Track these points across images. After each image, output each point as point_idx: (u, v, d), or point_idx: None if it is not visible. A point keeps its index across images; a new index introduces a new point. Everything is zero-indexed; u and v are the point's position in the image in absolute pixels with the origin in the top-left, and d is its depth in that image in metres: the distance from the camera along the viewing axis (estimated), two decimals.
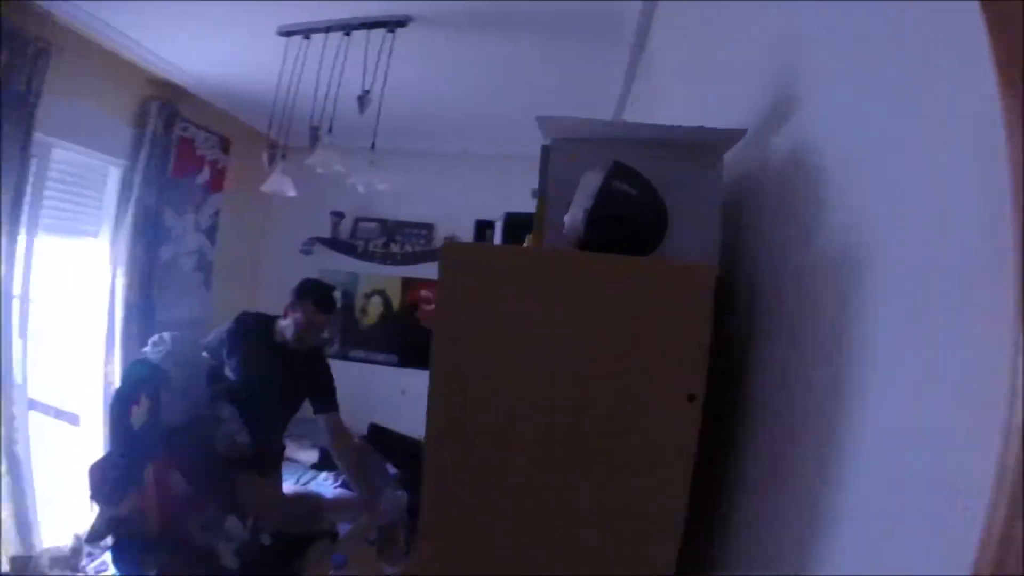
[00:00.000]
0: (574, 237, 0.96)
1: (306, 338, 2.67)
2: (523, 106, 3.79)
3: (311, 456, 3.63)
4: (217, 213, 4.34)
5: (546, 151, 1.09)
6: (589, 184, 0.93)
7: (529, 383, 0.93)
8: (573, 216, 0.96)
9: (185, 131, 3.88)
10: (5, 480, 2.59)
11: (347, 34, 2.79)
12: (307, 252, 4.62)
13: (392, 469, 2.81)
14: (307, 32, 2.85)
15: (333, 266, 4.64)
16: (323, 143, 2.90)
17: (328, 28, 2.81)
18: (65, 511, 2.90)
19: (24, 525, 2.71)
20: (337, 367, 4.38)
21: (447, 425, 0.98)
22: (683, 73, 1.89)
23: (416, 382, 4.21)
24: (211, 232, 4.28)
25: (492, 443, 0.95)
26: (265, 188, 3.06)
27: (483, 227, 4.48)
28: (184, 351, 2.51)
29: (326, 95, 2.90)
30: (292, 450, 3.82)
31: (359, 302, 4.67)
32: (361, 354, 4.58)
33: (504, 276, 0.96)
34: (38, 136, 2.72)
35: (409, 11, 2.69)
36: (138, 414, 2.32)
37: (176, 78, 3.55)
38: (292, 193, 3.01)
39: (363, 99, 2.81)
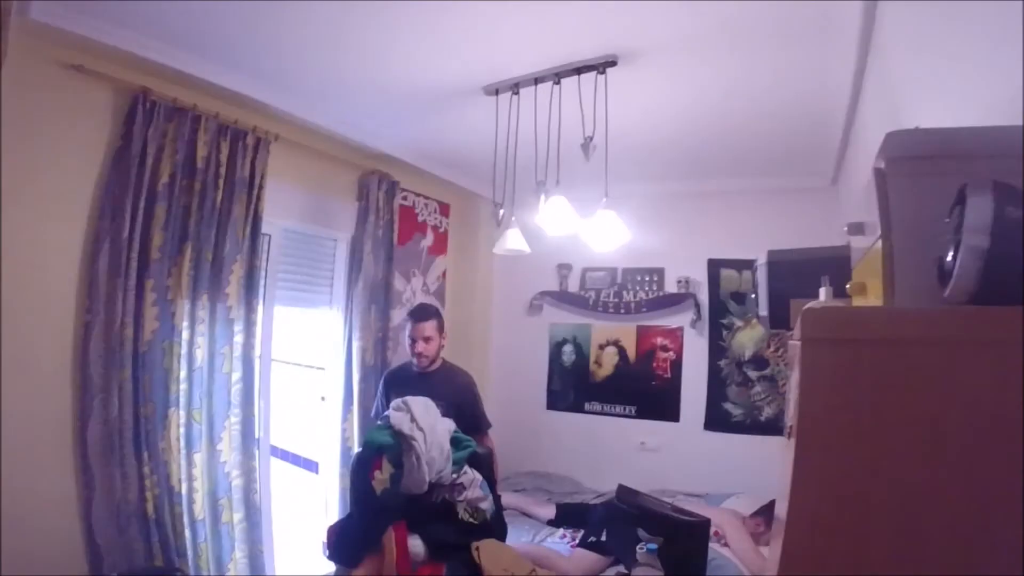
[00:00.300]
0: (962, 287, 0.77)
1: (423, 353, 2.99)
2: (739, 137, 3.29)
3: (548, 512, 3.62)
4: (443, 275, 4.49)
5: (880, 175, 0.95)
6: (977, 214, 0.74)
7: (914, 470, 0.81)
8: (964, 260, 0.75)
9: (405, 199, 4.05)
10: (240, 527, 2.91)
11: (557, 83, 2.63)
12: (538, 308, 4.54)
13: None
14: (515, 87, 2.73)
15: (563, 320, 4.48)
16: (549, 196, 2.65)
17: (536, 80, 2.68)
18: (298, 555, 3.44)
19: (257, 565, 3.01)
20: (572, 421, 4.44)
21: (810, 523, 0.88)
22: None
23: (654, 433, 3.93)
24: (439, 294, 4.44)
25: (856, 542, 0.85)
26: (497, 249, 2.98)
27: (716, 266, 3.85)
28: (426, 416, 2.56)
29: (547, 147, 2.76)
30: (529, 504, 3.90)
31: (593, 353, 4.40)
32: (598, 406, 4.32)
33: (888, 346, 0.84)
34: (267, 218, 2.98)
35: (616, 48, 2.44)
36: (379, 479, 2.43)
37: (391, 151, 3.62)
38: (526, 250, 2.91)
39: (586, 145, 2.55)
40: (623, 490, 2.73)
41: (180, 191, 2.68)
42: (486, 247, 4.61)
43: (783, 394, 3.93)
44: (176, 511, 2.62)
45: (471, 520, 2.54)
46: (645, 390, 4.25)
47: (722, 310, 4.05)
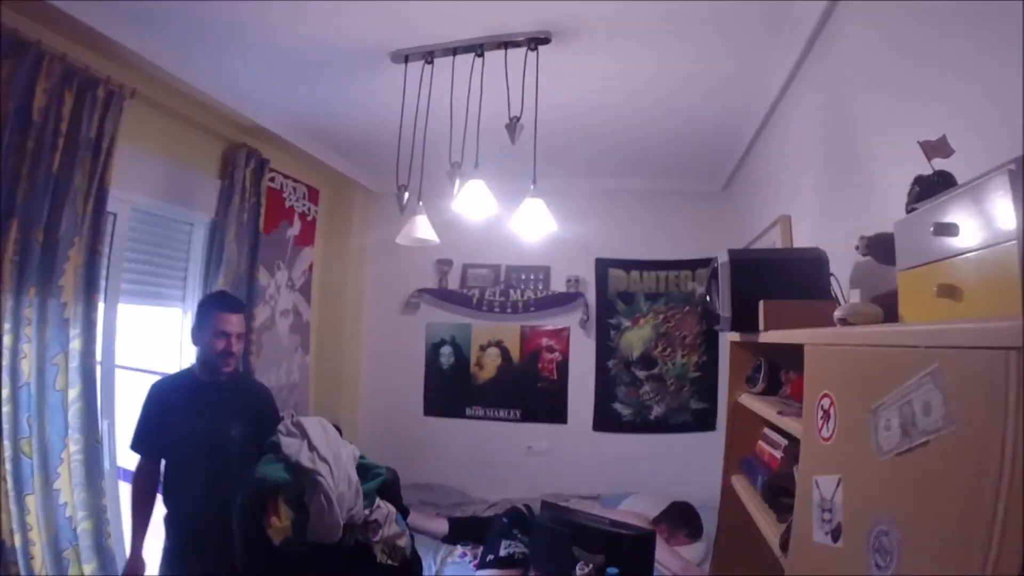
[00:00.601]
0: None
1: (236, 354, 2.52)
2: (643, 135, 3.41)
3: (440, 527, 3.57)
4: (310, 269, 4.10)
5: (1015, 176, 0.82)
6: None
7: None
8: None
9: (272, 181, 3.65)
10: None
11: (480, 55, 2.49)
12: (415, 307, 4.35)
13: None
14: (428, 56, 2.53)
15: (442, 319, 4.35)
16: (466, 180, 2.54)
17: (455, 50, 2.52)
18: None
19: None
20: (453, 427, 4.24)
21: None
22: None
23: (542, 436, 3.99)
24: (305, 290, 4.05)
25: None
26: (402, 239, 2.74)
27: (604, 265, 4.11)
28: (326, 441, 2.28)
29: (465, 127, 2.60)
30: (419, 519, 3.85)
31: (474, 355, 4.29)
32: (480, 411, 4.25)
33: None
34: (114, 192, 2.50)
35: (548, 23, 2.36)
36: (278, 527, 2.10)
37: (265, 122, 3.25)
38: (435, 240, 2.72)
39: (513, 126, 2.43)
40: (549, 507, 2.65)
41: (8, 150, 2.09)
42: (358, 239, 4.28)
43: (672, 392, 4.26)
44: (11, 572, 2.08)
45: (390, 562, 2.32)
46: (531, 392, 4.24)
47: (610, 310, 4.18)
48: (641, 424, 4.15)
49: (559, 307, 4.21)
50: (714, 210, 4.11)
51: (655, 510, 3.58)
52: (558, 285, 4.21)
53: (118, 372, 2.84)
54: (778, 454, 2.00)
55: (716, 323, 2.11)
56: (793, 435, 1.72)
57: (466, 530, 3.40)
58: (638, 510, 3.58)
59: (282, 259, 3.82)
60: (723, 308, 2.03)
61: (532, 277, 4.25)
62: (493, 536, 3.18)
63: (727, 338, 2.38)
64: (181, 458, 2.40)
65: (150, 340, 3.33)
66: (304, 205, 4.01)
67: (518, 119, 2.48)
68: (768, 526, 1.78)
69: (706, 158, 3.74)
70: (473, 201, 2.48)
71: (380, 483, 2.40)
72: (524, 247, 4.21)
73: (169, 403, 2.42)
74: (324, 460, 2.18)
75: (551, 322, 4.25)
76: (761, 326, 1.88)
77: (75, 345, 2.39)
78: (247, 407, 2.57)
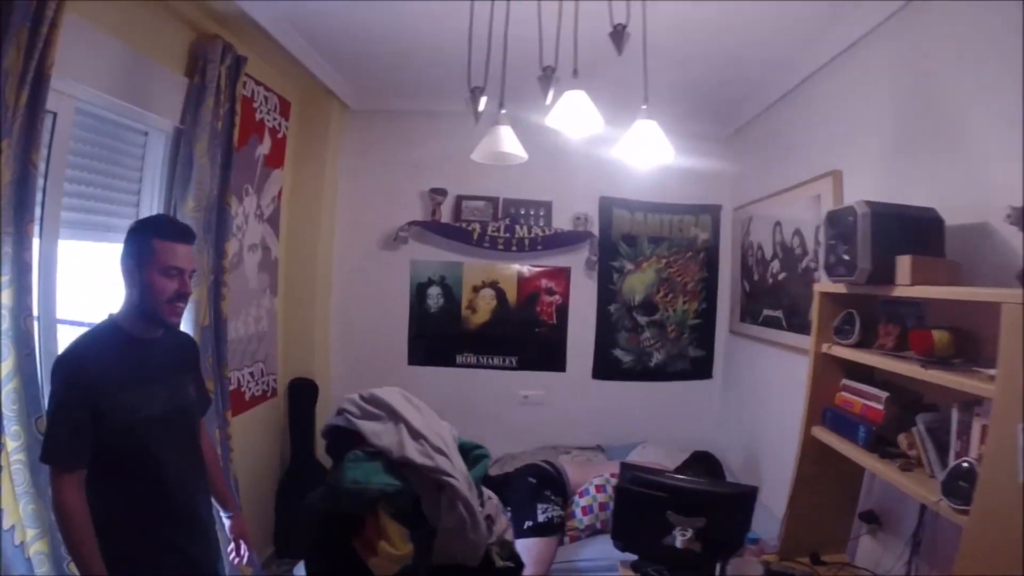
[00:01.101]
0: None
1: (187, 295, 1.84)
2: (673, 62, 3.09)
3: None
4: (279, 196, 3.48)
5: None
6: None
7: None
8: None
9: (243, 87, 2.94)
10: None
11: None
12: (403, 241, 3.83)
13: None
14: None
15: (428, 256, 3.89)
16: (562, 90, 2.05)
17: None
18: None
19: None
20: (441, 376, 3.87)
21: None
22: None
23: (538, 385, 3.57)
24: (274, 221, 3.44)
25: None
26: (478, 155, 2.27)
27: (609, 204, 3.82)
28: (424, 419, 1.92)
29: (559, 26, 2.05)
30: None
31: (465, 297, 3.92)
32: (472, 358, 3.92)
33: None
34: (56, 83, 1.84)
35: None
36: (388, 555, 1.69)
37: (248, 7, 2.57)
38: (522, 156, 2.26)
39: (619, 35, 1.95)
40: (629, 468, 2.38)
41: None
42: (333, 162, 3.73)
43: (672, 339, 4.16)
44: None
45: (506, 563, 1.96)
46: (527, 338, 3.96)
47: (613, 252, 3.93)
48: (641, 371, 4.02)
49: (567, 246, 3.90)
50: (721, 156, 3.93)
51: (669, 460, 3.50)
52: (560, 222, 3.89)
53: (60, 330, 2.17)
54: (879, 406, 2.08)
55: (842, 272, 2.04)
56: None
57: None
58: (652, 460, 3.49)
59: (251, 182, 3.19)
60: (862, 259, 1.95)
61: (533, 212, 3.89)
62: (522, 499, 2.94)
63: (817, 288, 2.37)
64: (137, 458, 1.69)
65: (93, 287, 2.50)
66: (275, 119, 3.35)
67: (624, 26, 2.08)
68: (891, 472, 1.89)
69: (726, 95, 3.50)
70: (573, 115, 2.07)
71: (486, 468, 2.05)
72: (524, 179, 3.86)
73: (102, 384, 1.62)
74: (440, 451, 1.79)
75: (551, 262, 3.95)
76: (907, 280, 1.88)
77: (4, 298, 1.75)
78: (190, 366, 2.00)
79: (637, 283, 3.98)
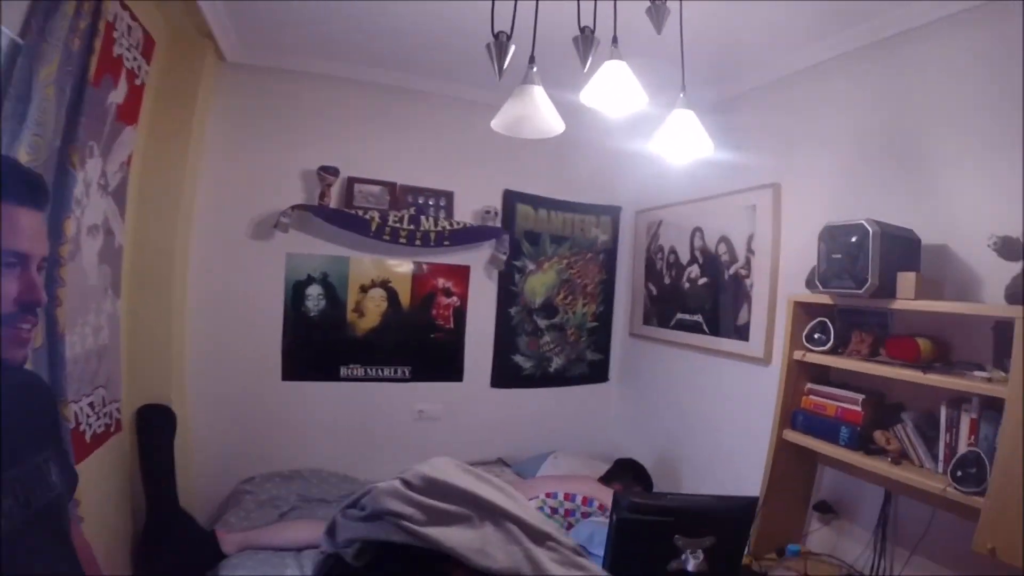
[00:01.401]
0: None
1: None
2: None
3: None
4: (129, 162, 2.59)
5: None
6: None
7: None
8: None
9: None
10: None
11: None
12: (283, 229, 3.07)
13: None
14: None
15: (307, 249, 3.23)
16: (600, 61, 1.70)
17: None
18: None
19: None
20: (324, 393, 3.32)
21: None
22: None
23: (435, 397, 3.13)
24: (120, 194, 2.52)
25: None
26: (502, 123, 1.85)
27: (513, 199, 3.60)
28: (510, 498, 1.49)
29: None
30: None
31: (352, 298, 3.33)
32: (359, 370, 3.35)
33: None
34: None
35: None
36: None
37: None
38: (558, 126, 1.79)
39: (659, 8, 1.68)
40: (626, 496, 2.13)
41: None
42: (202, 124, 2.94)
43: (571, 342, 3.99)
44: None
45: None
46: (423, 345, 3.50)
47: (515, 251, 3.65)
48: (541, 378, 3.82)
49: (477, 242, 3.52)
50: (625, 157, 3.89)
51: (587, 469, 3.36)
52: (461, 215, 3.50)
53: None
54: (856, 407, 2.28)
55: (850, 285, 2.15)
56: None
57: None
58: (570, 472, 3.30)
59: (97, 139, 2.30)
60: (872, 274, 2.08)
61: (433, 203, 3.44)
62: None
63: (790, 299, 2.50)
64: None
65: None
66: (135, 59, 2.46)
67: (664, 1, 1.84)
68: (883, 467, 2.09)
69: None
70: (613, 89, 1.78)
71: None
72: (423, 165, 3.42)
73: None
74: (575, 550, 1.33)
75: (450, 260, 3.54)
76: (910, 295, 2.07)
77: None
78: (48, 432, 1.14)
79: (538, 284, 3.76)
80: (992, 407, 1.87)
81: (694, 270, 3.37)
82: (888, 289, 2.10)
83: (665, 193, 3.66)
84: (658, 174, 3.74)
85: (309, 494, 2.99)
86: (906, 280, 2.08)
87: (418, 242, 3.28)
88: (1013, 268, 1.86)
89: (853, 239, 2.14)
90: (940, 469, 1.99)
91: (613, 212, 3.99)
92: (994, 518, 1.72)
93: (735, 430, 3.06)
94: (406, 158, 3.42)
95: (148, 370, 2.73)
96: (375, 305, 3.40)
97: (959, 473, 1.86)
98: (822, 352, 2.35)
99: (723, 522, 2.17)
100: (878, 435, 2.20)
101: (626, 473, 3.22)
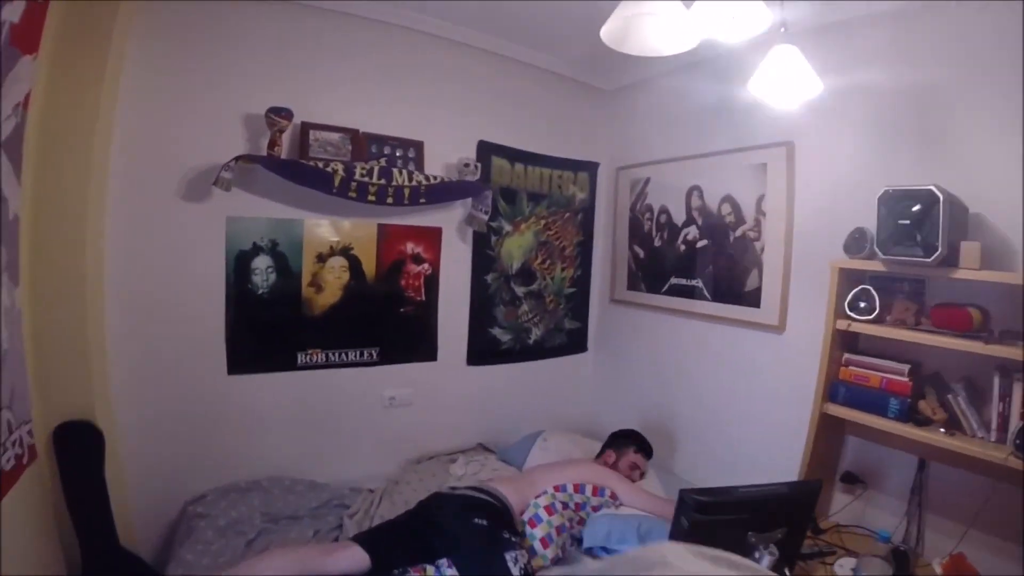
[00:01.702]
0: None
1: None
2: None
3: (355, 560, 2.22)
4: (26, 104, 1.87)
5: None
6: None
7: None
8: None
9: None
10: None
11: None
12: (225, 187, 2.40)
13: None
14: None
15: (252, 211, 2.62)
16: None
17: None
18: None
19: None
20: (278, 386, 2.79)
21: None
22: None
23: (406, 381, 2.93)
24: (15, 145, 1.81)
25: None
26: (613, 33, 1.46)
27: (488, 151, 3.21)
28: None
29: None
30: (310, 559, 2.15)
31: (307, 270, 2.76)
32: (319, 356, 2.82)
33: None
34: None
35: None
36: None
37: None
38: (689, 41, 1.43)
39: None
40: (694, 496, 1.89)
41: None
42: (120, 57, 2.24)
43: (550, 310, 3.62)
44: None
45: None
46: (391, 321, 3.01)
47: (492, 210, 3.17)
48: (520, 351, 3.48)
49: (456, 200, 3.07)
50: (604, 109, 3.55)
51: (578, 450, 3.10)
52: (432, 168, 2.99)
53: None
54: (903, 378, 2.20)
55: (919, 254, 2.03)
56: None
57: (396, 549, 2.28)
58: (562, 455, 3.02)
59: None
60: (942, 243, 1.97)
61: (401, 154, 2.91)
62: (481, 552, 2.21)
63: (834, 265, 2.35)
64: None
65: None
66: None
67: None
68: (937, 438, 2.03)
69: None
70: (785, 75, 1.46)
71: None
72: (388, 111, 2.89)
73: None
74: None
75: (420, 221, 3.05)
76: (975, 264, 1.98)
77: None
78: None
79: (515, 247, 3.37)
80: None
81: (691, 231, 3.12)
82: (951, 258, 1.99)
83: (651, 149, 3.38)
84: (641, 129, 3.44)
85: (275, 510, 2.50)
86: (971, 250, 1.98)
87: (390, 200, 2.76)
88: None
89: (918, 206, 2.01)
90: (993, 438, 1.97)
91: (591, 168, 3.66)
92: None
93: (744, 400, 2.93)
94: (368, 102, 2.86)
95: (62, 379, 2.10)
96: (335, 277, 2.87)
97: (1020, 441, 1.85)
98: (867, 322, 2.23)
99: (793, 510, 2.00)
100: (923, 405, 2.16)
101: (623, 442, 2.99)
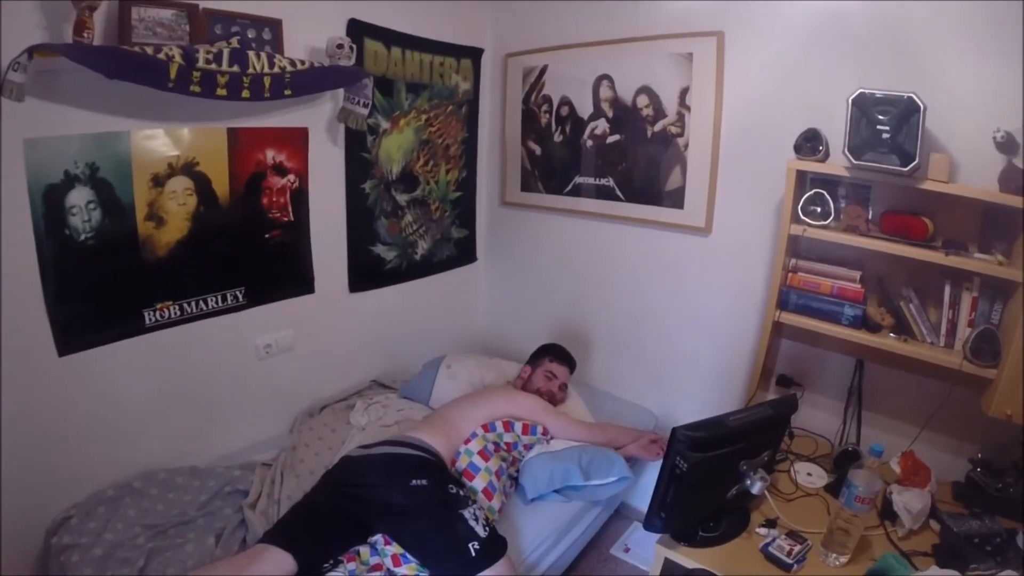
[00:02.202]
0: None
1: None
2: None
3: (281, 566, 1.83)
4: None
5: None
6: None
7: None
8: None
9: None
10: None
11: None
12: (15, 95, 1.57)
13: None
14: None
15: (63, 126, 1.83)
16: None
17: None
18: None
19: None
20: (124, 356, 2.16)
21: None
22: None
23: (282, 323, 2.68)
24: None
25: None
26: None
27: (360, 32, 2.70)
28: None
29: None
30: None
31: (141, 198, 2.00)
32: (171, 309, 2.14)
33: None
34: None
35: None
36: None
37: None
38: None
39: None
40: (684, 431, 1.76)
41: None
42: None
43: (436, 220, 3.13)
44: None
45: None
46: (255, 252, 2.40)
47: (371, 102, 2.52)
48: (408, 270, 3.05)
49: (328, 90, 2.42)
50: None
51: (491, 373, 2.86)
52: (293, 52, 2.28)
53: None
54: (855, 285, 2.21)
55: (895, 162, 1.96)
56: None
57: (321, 539, 1.94)
58: (468, 386, 2.76)
59: None
60: (920, 154, 1.94)
61: (254, 37, 2.16)
62: (425, 517, 1.94)
63: (791, 166, 2.22)
64: None
65: None
66: None
67: None
68: (892, 344, 2.10)
69: None
70: None
71: None
72: None
73: None
74: None
75: (280, 121, 2.37)
76: (943, 176, 1.95)
77: None
78: None
79: (394, 148, 2.82)
80: (989, 286, 1.99)
81: (600, 125, 2.84)
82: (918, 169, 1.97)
83: (547, 33, 2.94)
84: (535, 9, 2.97)
85: (158, 518, 1.95)
86: (940, 161, 1.96)
87: (245, 93, 2.04)
88: (995, 158, 1.90)
89: (895, 112, 1.92)
90: (942, 343, 2.07)
91: (474, 55, 3.13)
92: (1010, 388, 1.87)
93: (668, 305, 2.87)
94: None
95: None
96: (179, 204, 2.16)
97: (974, 348, 1.94)
98: (820, 227, 2.16)
99: (775, 430, 2.06)
100: (871, 311, 2.20)
101: (539, 355, 2.84)
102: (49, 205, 1.86)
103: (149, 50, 1.83)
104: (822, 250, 2.24)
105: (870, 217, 2.20)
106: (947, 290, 2.04)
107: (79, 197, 1.93)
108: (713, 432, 1.79)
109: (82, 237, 1.95)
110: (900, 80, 2.00)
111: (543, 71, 2.99)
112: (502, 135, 3.25)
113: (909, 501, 1.89)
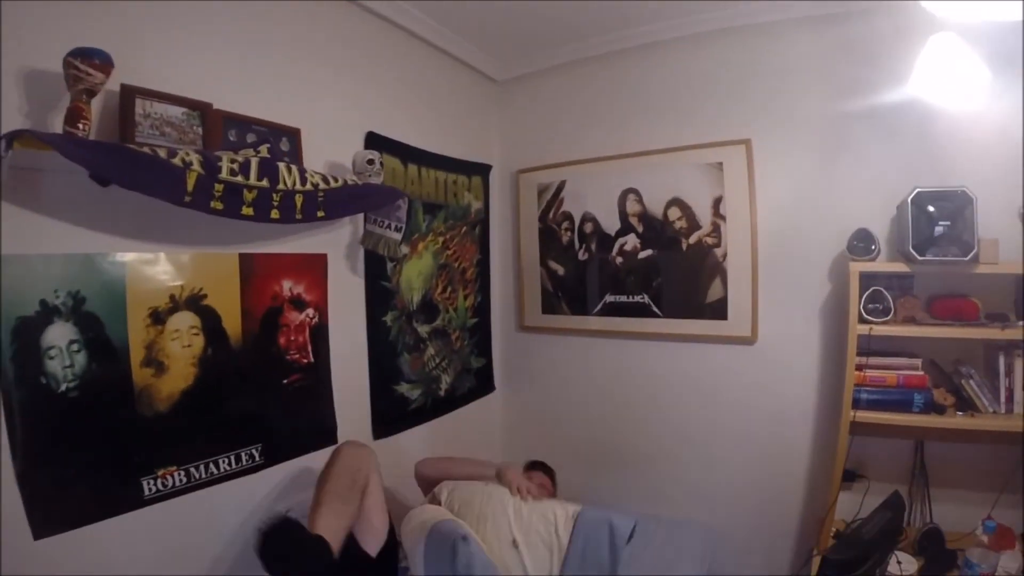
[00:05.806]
0: None
1: None
2: None
3: None
4: None
5: None
6: None
7: None
8: None
9: None
10: None
11: None
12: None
13: None
14: None
15: (40, 244, 1.36)
16: None
17: None
18: None
19: None
20: (119, 536, 1.49)
21: None
22: None
23: (303, 484, 2.09)
24: None
25: None
26: None
27: (378, 145, 2.47)
28: None
29: None
30: None
31: (137, 339, 1.51)
32: (176, 476, 1.51)
33: None
34: None
35: None
36: None
37: None
38: None
39: None
40: (837, 555, 1.69)
41: None
42: None
43: (456, 350, 2.67)
44: None
45: None
46: (273, 400, 1.86)
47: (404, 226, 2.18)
48: (432, 406, 2.54)
49: (365, 211, 2.05)
50: (497, 102, 2.87)
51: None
52: (312, 164, 1.92)
53: None
54: (918, 372, 2.11)
55: (956, 252, 1.96)
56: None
57: None
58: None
59: None
60: (977, 242, 1.96)
61: (271, 144, 1.79)
62: None
63: (854, 268, 2.10)
64: None
65: None
66: None
67: None
68: (963, 422, 2.00)
69: (532, 29, 2.57)
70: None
71: None
72: (244, 80, 1.82)
73: None
74: None
75: (297, 246, 1.95)
76: (995, 259, 1.96)
77: None
78: None
79: (414, 274, 2.43)
80: None
81: (629, 240, 2.57)
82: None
83: (560, 148, 2.77)
84: (547, 125, 2.82)
85: None
86: (990, 245, 1.97)
87: (275, 214, 1.65)
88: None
89: (951, 207, 1.96)
90: (1003, 410, 2.00)
91: (483, 171, 2.87)
92: None
93: (711, 419, 2.52)
94: (220, 68, 1.73)
95: None
96: (183, 345, 1.66)
97: None
98: (883, 323, 2.06)
99: (895, 530, 1.94)
100: (937, 393, 2.08)
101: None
102: (20, 344, 1.34)
103: (161, 152, 1.43)
104: (877, 344, 2.07)
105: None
106: (1001, 360, 1.99)
107: (59, 335, 1.41)
108: (853, 553, 1.71)
109: (63, 387, 1.41)
110: (919, 174, 2.06)
111: (560, 187, 2.74)
112: (516, 256, 2.93)
113: (1006, 564, 1.85)
